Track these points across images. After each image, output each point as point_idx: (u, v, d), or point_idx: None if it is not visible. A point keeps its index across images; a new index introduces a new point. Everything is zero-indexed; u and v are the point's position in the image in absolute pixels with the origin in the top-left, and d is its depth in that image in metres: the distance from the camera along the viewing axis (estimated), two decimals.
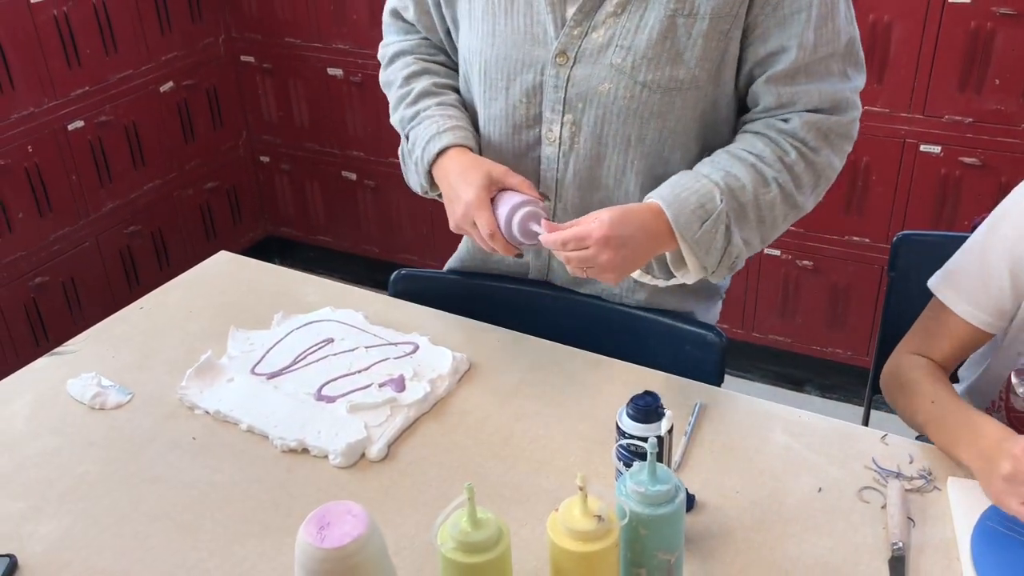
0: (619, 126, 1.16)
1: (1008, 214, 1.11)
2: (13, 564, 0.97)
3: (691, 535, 0.98)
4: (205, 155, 3.00)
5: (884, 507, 1.01)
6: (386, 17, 1.38)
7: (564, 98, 1.17)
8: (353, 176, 3.02)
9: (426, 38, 1.35)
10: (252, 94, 3.06)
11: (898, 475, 1.05)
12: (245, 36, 2.98)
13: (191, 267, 1.54)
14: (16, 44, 2.37)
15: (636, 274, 1.21)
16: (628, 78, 1.13)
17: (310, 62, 2.90)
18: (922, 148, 2.25)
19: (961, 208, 2.26)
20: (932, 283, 1.18)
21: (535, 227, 1.12)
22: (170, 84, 2.82)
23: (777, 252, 2.51)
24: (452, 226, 1.21)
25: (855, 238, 2.42)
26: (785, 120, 1.15)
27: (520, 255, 1.21)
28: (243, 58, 3.01)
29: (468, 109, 1.29)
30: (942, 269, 1.19)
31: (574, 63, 1.15)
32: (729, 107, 1.20)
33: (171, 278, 1.51)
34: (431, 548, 0.98)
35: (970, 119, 2.18)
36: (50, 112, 2.48)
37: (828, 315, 2.53)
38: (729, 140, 1.20)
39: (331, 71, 2.87)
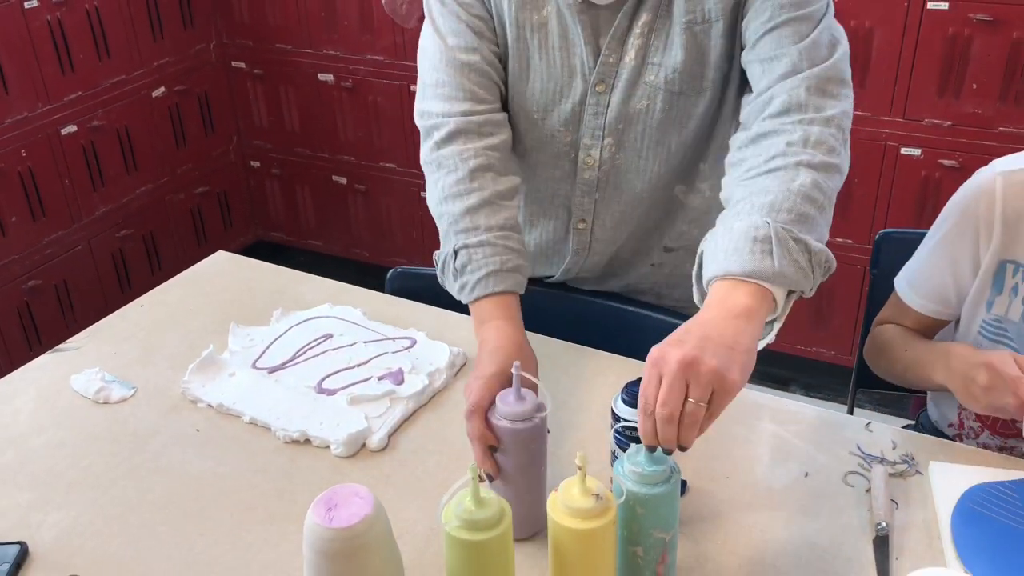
0: (659, 136, 1.21)
1: (948, 216, 1.23)
2: (24, 551, 1.00)
3: (684, 518, 1.02)
4: (196, 160, 3.03)
5: (868, 490, 1.05)
6: (445, 71, 1.18)
7: (604, 124, 1.21)
8: (344, 180, 3.05)
9: (491, 111, 1.20)
10: (243, 99, 3.09)
11: (882, 460, 1.09)
12: (236, 42, 3.01)
13: (182, 271, 1.56)
14: (10, 49, 2.39)
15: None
16: (664, 91, 1.17)
17: (301, 68, 2.93)
18: (903, 151, 2.30)
19: (941, 209, 2.32)
20: (896, 278, 1.32)
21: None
22: (162, 89, 2.84)
23: None
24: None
25: (838, 239, 2.47)
26: (768, 103, 1.06)
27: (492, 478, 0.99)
28: (234, 64, 3.04)
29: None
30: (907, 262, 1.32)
31: (612, 88, 1.18)
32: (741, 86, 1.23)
33: (162, 282, 1.53)
34: (432, 533, 1.01)
35: (949, 122, 2.23)
36: (43, 116, 2.51)
37: (812, 315, 2.58)
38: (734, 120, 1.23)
39: (322, 76, 2.90)
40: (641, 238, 1.34)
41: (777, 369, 2.70)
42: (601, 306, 1.40)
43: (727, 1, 1.12)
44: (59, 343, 1.38)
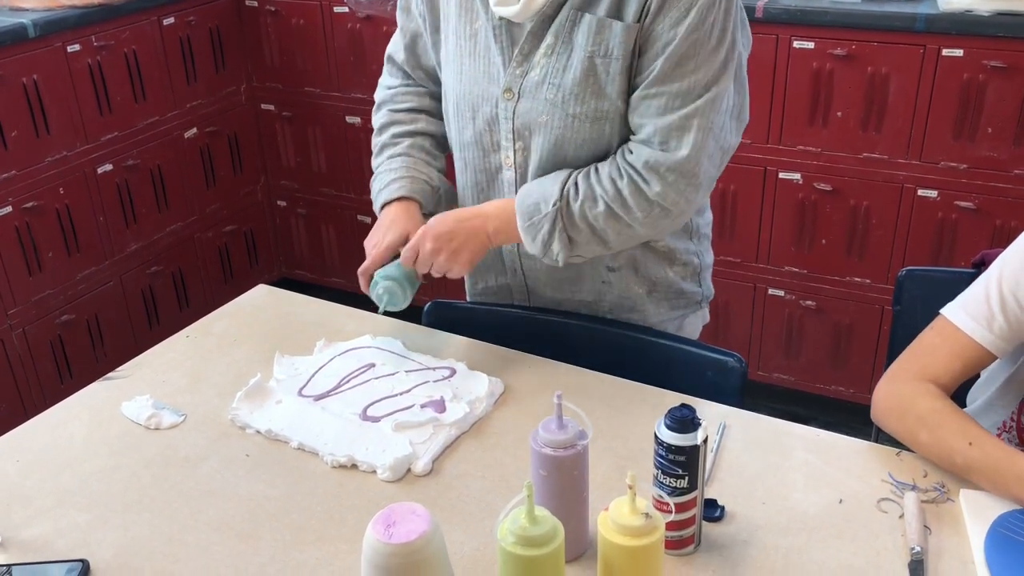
0: (555, 151, 1.32)
1: (1017, 247, 1.18)
2: (86, 568, 1.03)
3: (722, 542, 1.05)
4: (225, 199, 3.10)
5: (902, 516, 1.08)
6: (386, 60, 1.56)
7: (513, 128, 1.34)
8: (368, 220, 3.11)
9: (408, 82, 1.52)
10: (271, 141, 3.17)
11: (913, 487, 1.12)
12: (266, 85, 3.10)
13: (210, 308, 1.60)
14: (52, 91, 2.48)
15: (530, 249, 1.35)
16: (560, 111, 1.29)
17: (328, 110, 3.01)
18: (919, 193, 2.35)
19: (958, 250, 2.36)
20: (946, 308, 1.22)
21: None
22: (194, 130, 2.92)
23: (781, 293, 2.60)
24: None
25: (856, 279, 2.51)
26: (631, 151, 1.27)
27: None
28: (264, 106, 3.13)
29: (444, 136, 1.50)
30: (956, 298, 1.22)
31: (518, 98, 1.32)
32: None
33: (190, 319, 1.57)
34: (479, 554, 1.04)
35: (965, 165, 2.29)
36: (81, 156, 2.58)
37: (831, 354, 2.61)
38: None
39: (349, 119, 2.98)
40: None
41: (796, 407, 2.72)
42: (628, 337, 1.44)
43: (628, 44, 1.22)
44: (90, 377, 1.42)
